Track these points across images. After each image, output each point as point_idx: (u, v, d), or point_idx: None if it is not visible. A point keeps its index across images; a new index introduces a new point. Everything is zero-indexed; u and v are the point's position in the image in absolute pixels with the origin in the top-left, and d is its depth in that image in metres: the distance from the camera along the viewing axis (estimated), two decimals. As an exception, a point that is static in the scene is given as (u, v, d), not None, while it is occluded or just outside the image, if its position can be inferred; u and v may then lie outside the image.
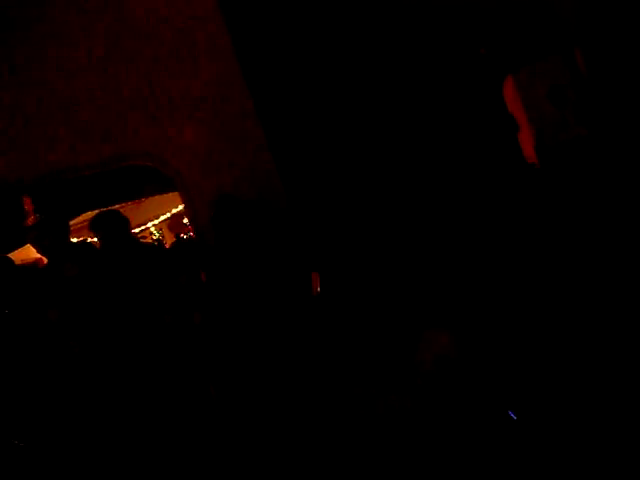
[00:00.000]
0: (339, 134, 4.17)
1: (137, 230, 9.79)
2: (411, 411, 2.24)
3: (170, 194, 7.43)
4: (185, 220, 10.54)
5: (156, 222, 10.31)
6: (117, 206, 5.41)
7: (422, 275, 3.82)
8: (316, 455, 2.58)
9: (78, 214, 6.08)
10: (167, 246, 8.51)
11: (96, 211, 3.86)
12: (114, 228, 3.30)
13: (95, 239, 3.62)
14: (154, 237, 10.28)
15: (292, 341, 3.38)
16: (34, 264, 4.60)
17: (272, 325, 3.43)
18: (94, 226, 3.38)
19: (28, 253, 4.82)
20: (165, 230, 10.80)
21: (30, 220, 2.91)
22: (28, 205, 2.91)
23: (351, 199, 4.13)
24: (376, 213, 4.09)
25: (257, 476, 2.88)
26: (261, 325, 3.44)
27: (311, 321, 3.55)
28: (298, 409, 3.10)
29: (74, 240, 3.51)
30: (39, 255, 4.25)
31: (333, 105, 4.15)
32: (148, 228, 10.43)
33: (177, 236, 9.79)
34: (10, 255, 3.98)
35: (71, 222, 4.16)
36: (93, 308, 2.80)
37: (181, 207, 10.11)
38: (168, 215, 10.32)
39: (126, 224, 3.46)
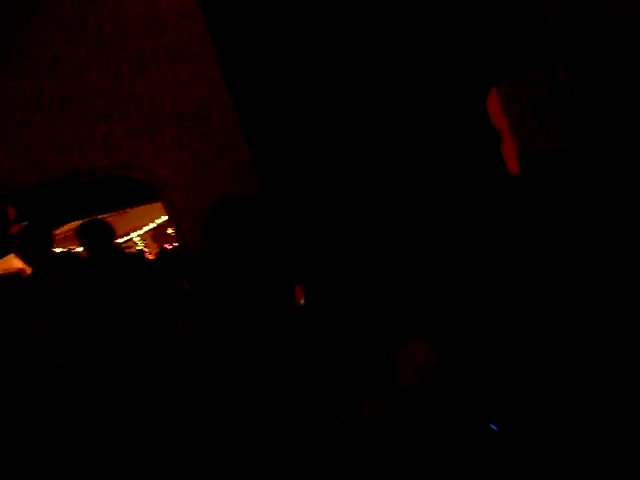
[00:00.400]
0: (322, 137, 4.16)
1: (121, 240, 9.73)
2: (391, 422, 2.22)
3: (154, 204, 7.40)
4: (169, 230, 10.52)
5: (140, 232, 10.26)
6: (101, 216, 5.39)
7: (405, 283, 3.83)
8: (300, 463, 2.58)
9: (62, 224, 6.03)
10: (151, 256, 8.46)
11: (80, 221, 3.85)
12: (100, 237, 3.29)
13: (79, 249, 3.60)
14: (138, 247, 10.22)
15: (274, 349, 3.39)
16: (17, 274, 4.55)
17: (254, 334, 3.43)
18: (80, 234, 3.36)
19: (11, 263, 4.77)
20: (149, 240, 10.75)
21: (14, 229, 2.88)
22: (12, 214, 2.89)
23: (333, 206, 4.12)
24: (358, 223, 4.08)
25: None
26: (245, 333, 3.43)
27: (294, 332, 3.56)
28: (278, 418, 3.09)
29: (58, 250, 3.48)
30: (22, 265, 4.20)
31: (316, 106, 4.13)
32: (132, 238, 10.37)
33: (161, 246, 9.74)
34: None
35: (55, 232, 4.14)
36: (76, 318, 2.78)
37: (165, 217, 10.10)
38: (152, 225, 10.27)
39: (111, 233, 3.45)
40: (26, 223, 2.89)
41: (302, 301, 3.73)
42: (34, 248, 2.87)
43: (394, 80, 4.08)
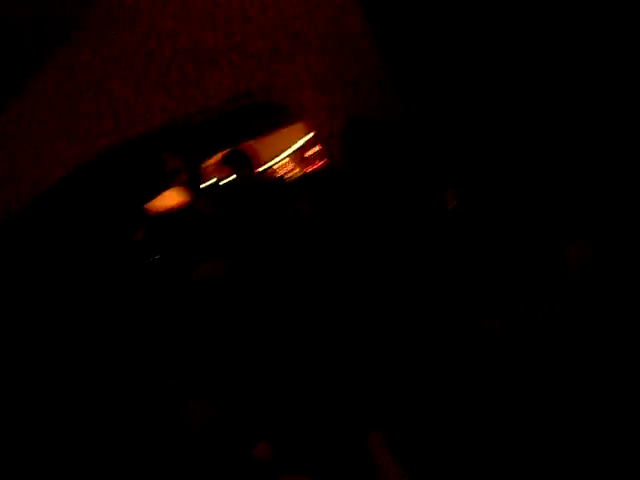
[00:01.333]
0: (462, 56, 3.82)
1: (264, 167, 9.95)
2: (547, 319, 2.20)
3: (293, 127, 7.41)
4: (309, 153, 10.58)
5: (282, 157, 10.42)
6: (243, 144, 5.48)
7: (564, 186, 3.53)
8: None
9: (210, 156, 6.23)
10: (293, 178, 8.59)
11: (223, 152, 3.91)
12: (242, 163, 3.32)
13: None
14: (280, 173, 10.41)
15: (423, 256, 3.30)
16: (172, 209, 4.78)
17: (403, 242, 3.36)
18: (224, 164, 3.41)
19: (166, 200, 5.03)
20: (290, 164, 10.89)
21: (171, 164, 2.92)
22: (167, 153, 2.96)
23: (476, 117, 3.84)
24: (510, 120, 3.77)
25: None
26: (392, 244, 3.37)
27: (446, 235, 3.44)
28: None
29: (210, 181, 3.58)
30: (176, 201, 4.39)
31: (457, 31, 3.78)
32: (274, 164, 10.57)
33: (303, 169, 9.84)
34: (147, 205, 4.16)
35: (204, 164, 4.24)
36: (230, 248, 2.80)
37: (304, 140, 10.14)
38: (292, 149, 10.37)
39: (249, 160, 3.47)
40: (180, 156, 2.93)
41: (454, 203, 3.62)
42: (188, 180, 2.90)
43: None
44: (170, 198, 4.03)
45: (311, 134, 4.34)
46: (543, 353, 2.16)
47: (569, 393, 2.07)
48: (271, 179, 6.63)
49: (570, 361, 2.10)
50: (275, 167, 10.68)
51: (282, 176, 8.81)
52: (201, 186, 2.77)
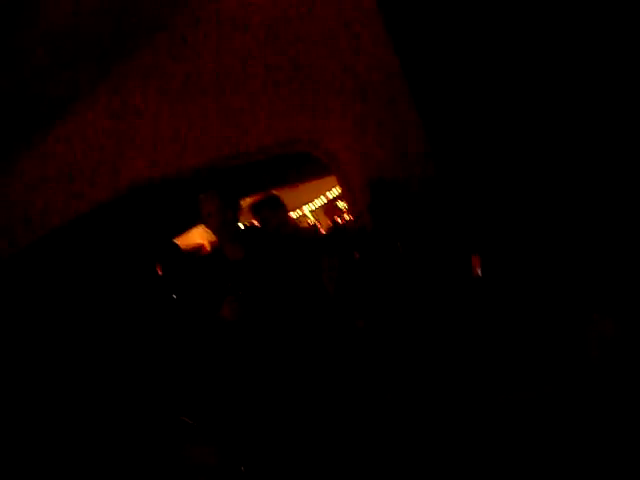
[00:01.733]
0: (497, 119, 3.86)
1: (293, 215, 10.03)
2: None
3: (325, 179, 7.50)
4: (340, 204, 10.65)
5: (312, 206, 10.51)
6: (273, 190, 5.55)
7: (585, 261, 3.49)
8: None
9: (242, 197, 6.32)
10: (322, 231, 8.64)
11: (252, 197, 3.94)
12: (275, 209, 3.33)
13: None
14: (310, 221, 10.49)
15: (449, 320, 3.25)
16: (197, 249, 4.81)
17: (428, 307, 3.31)
18: (255, 210, 3.42)
19: (191, 238, 5.08)
20: (320, 214, 10.98)
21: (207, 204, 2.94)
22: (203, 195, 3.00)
23: (508, 181, 3.83)
24: (538, 195, 3.76)
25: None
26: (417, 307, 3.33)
27: (470, 303, 3.38)
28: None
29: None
30: (202, 240, 4.41)
31: (492, 90, 3.83)
32: (304, 213, 10.66)
33: (333, 221, 9.90)
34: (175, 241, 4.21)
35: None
36: (257, 293, 2.79)
37: (335, 191, 10.24)
38: (323, 199, 10.47)
39: (284, 206, 3.48)
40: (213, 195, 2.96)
41: (479, 272, 3.57)
42: (223, 220, 2.92)
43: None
44: (199, 236, 4.06)
45: (343, 188, 4.34)
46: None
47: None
48: (300, 229, 6.67)
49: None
50: (305, 217, 10.79)
51: (311, 227, 8.88)
52: (232, 229, 2.79)
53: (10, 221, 4.23)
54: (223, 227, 2.79)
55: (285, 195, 4.03)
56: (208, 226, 2.83)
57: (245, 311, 2.62)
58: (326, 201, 10.52)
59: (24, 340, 3.92)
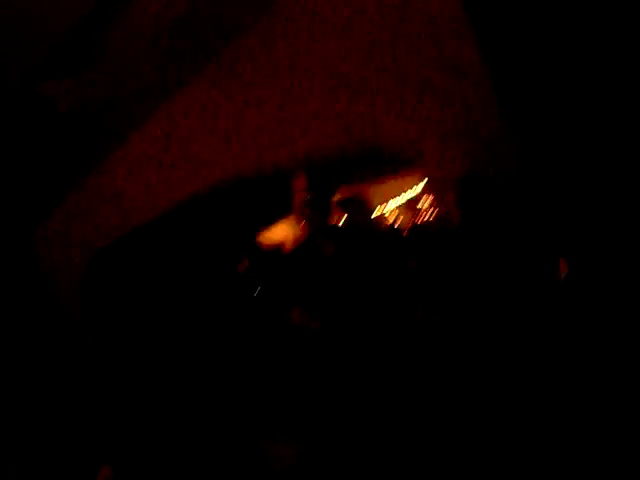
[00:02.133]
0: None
1: (376, 212, 9.98)
2: None
3: (405, 178, 7.43)
4: (422, 204, 10.51)
5: (393, 205, 10.42)
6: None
7: None
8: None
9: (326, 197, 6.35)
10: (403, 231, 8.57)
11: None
12: (360, 210, 3.35)
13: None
14: (390, 221, 10.40)
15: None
16: (279, 244, 4.88)
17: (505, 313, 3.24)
18: (342, 206, 3.45)
19: (273, 234, 5.12)
20: (401, 214, 10.86)
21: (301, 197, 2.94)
22: (301, 184, 2.99)
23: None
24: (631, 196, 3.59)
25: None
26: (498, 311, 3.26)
27: (554, 308, 3.30)
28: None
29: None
30: (284, 236, 4.44)
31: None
32: (384, 211, 10.59)
33: (413, 221, 9.79)
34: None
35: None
36: (346, 289, 2.77)
37: (417, 189, 10.11)
38: (404, 197, 10.36)
39: (369, 207, 3.50)
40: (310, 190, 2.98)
41: (564, 273, 3.49)
42: (319, 215, 2.92)
43: None
44: (284, 230, 4.11)
45: (426, 185, 4.36)
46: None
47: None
48: (383, 227, 6.64)
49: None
50: (388, 215, 10.71)
51: (394, 225, 8.82)
52: (320, 224, 2.78)
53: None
54: (314, 215, 2.78)
55: (367, 193, 4.07)
56: (298, 211, 2.82)
57: (321, 315, 2.62)
58: (406, 200, 10.42)
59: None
